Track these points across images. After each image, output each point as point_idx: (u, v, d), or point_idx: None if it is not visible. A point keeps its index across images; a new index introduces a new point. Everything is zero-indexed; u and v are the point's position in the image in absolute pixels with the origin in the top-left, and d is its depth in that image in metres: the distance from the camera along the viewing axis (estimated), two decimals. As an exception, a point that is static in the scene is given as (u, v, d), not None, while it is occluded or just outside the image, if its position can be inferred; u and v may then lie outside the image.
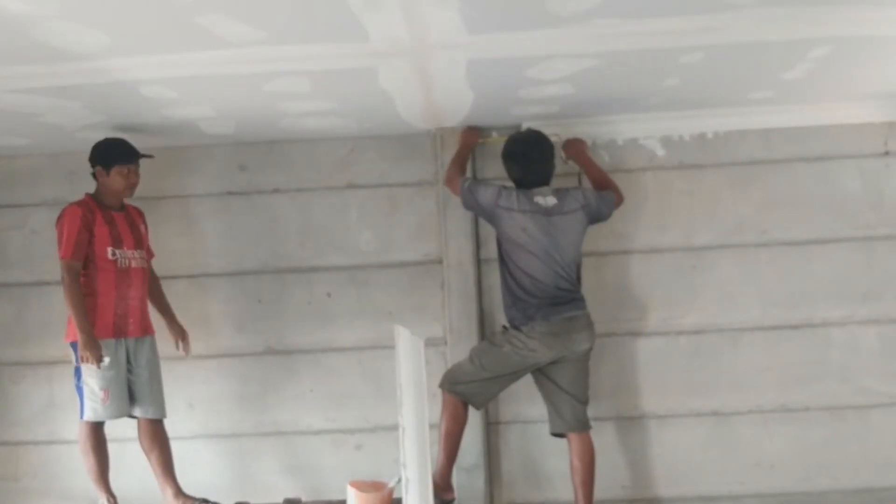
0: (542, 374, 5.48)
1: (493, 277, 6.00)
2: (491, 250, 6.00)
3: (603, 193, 5.65)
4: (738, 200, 6.07)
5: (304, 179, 6.20)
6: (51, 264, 6.02)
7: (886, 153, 6.04)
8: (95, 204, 5.36)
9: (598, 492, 5.53)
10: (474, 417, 5.72)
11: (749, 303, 6.04)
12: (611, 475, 5.97)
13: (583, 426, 5.46)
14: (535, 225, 5.35)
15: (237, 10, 3.86)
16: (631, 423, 6.05)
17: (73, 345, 5.22)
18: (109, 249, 5.28)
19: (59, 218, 5.31)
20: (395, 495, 5.11)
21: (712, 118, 6.02)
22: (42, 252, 6.16)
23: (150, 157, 5.47)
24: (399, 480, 4.94)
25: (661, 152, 6.09)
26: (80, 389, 5.28)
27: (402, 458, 4.83)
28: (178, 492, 5.41)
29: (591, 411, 5.61)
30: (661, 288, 6.07)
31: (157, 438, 5.44)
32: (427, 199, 6.15)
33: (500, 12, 4.04)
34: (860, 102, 5.90)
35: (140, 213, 5.64)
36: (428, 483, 4.83)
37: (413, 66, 4.73)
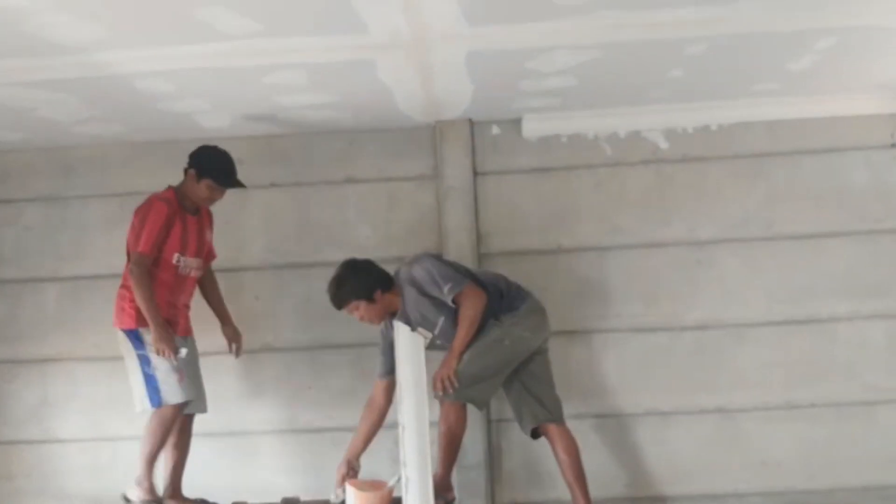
0: (523, 367, 5.41)
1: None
2: (491, 245, 6.04)
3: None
4: (743, 194, 6.04)
5: (302, 174, 6.18)
6: (44, 260, 6.02)
7: (893, 145, 6.01)
8: (179, 205, 5.26)
9: (601, 490, 5.53)
10: (475, 416, 5.69)
11: (754, 298, 6.00)
12: (614, 473, 5.96)
13: (562, 416, 5.43)
14: None
15: (234, 3, 3.87)
16: (635, 419, 6.01)
17: (131, 332, 5.18)
18: (176, 255, 5.22)
19: (144, 208, 5.21)
20: (395, 494, 5.07)
21: (716, 110, 5.99)
22: (35, 248, 6.15)
23: (242, 186, 5.39)
24: (399, 479, 4.91)
25: (664, 145, 6.06)
26: (150, 377, 5.17)
27: (403, 457, 4.80)
28: (178, 492, 5.37)
29: (594, 407, 5.61)
30: (665, 283, 6.04)
31: (184, 434, 5.40)
32: (426, 194, 6.12)
33: (501, 3, 4.04)
34: (866, 94, 5.87)
35: (210, 217, 5.57)
36: (428, 482, 4.81)
37: (412, 59, 4.73)
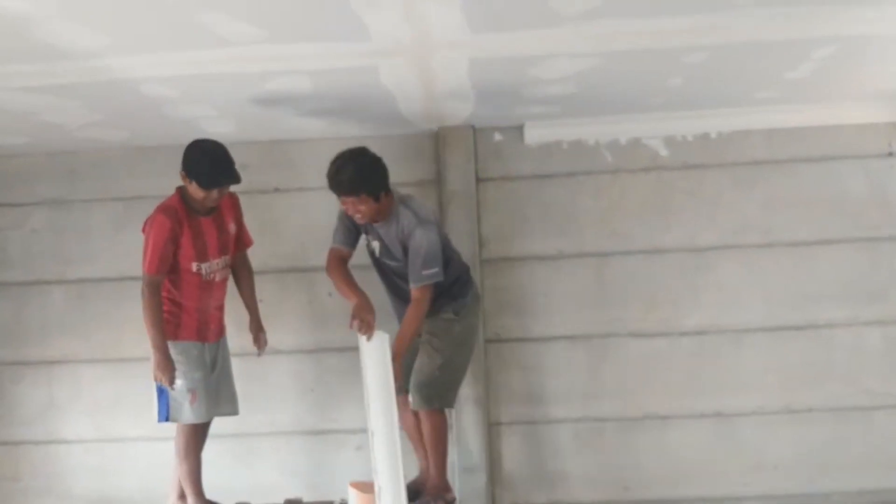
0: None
1: (495, 278, 6.05)
2: (492, 250, 6.06)
3: None
4: (742, 201, 6.05)
5: (305, 179, 6.16)
6: (50, 263, 6.04)
7: (890, 154, 6.02)
8: (185, 211, 5.08)
9: (601, 493, 5.57)
10: (475, 419, 5.74)
11: (752, 304, 6.02)
12: (613, 476, 5.98)
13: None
14: None
15: (238, 9, 3.84)
16: (634, 423, 6.03)
17: None
18: (194, 264, 5.13)
19: (148, 224, 5.08)
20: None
21: (716, 118, 6.00)
22: (41, 251, 6.18)
23: (230, 183, 5.12)
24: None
25: (664, 152, 6.08)
26: (163, 391, 5.12)
27: (374, 465, 4.77)
28: (182, 495, 5.38)
29: (594, 411, 5.68)
30: (664, 288, 6.05)
31: (204, 439, 5.37)
32: (429, 200, 6.06)
33: (503, 11, 4.01)
34: (864, 102, 5.88)
35: (233, 206, 5.42)
36: (401, 488, 4.79)
37: (415, 65, 4.71)
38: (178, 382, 5.06)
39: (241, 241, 5.52)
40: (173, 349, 5.09)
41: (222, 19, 3.92)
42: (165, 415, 5.13)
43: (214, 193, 5.07)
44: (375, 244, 5.29)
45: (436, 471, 5.27)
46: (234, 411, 5.43)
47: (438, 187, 6.07)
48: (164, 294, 5.12)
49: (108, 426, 6.07)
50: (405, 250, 5.15)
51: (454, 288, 5.32)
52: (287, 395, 6.14)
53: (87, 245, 6.20)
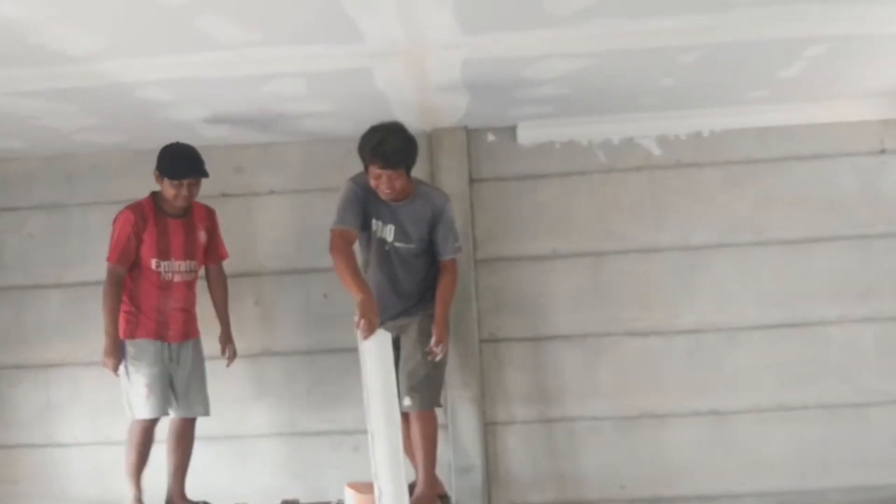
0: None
1: (490, 278, 6.07)
2: (486, 251, 6.07)
3: None
4: (735, 199, 6.06)
5: (301, 181, 6.19)
6: (47, 267, 6.05)
7: (882, 151, 6.03)
8: (153, 209, 5.30)
9: (597, 492, 5.57)
10: (472, 418, 5.76)
11: (746, 302, 6.03)
12: (609, 475, 5.99)
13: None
14: None
15: (233, 12, 3.85)
16: (629, 422, 6.03)
17: (121, 342, 5.22)
18: (154, 261, 5.26)
19: (115, 219, 5.30)
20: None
21: (708, 117, 6.01)
22: (39, 255, 6.19)
23: (204, 176, 5.31)
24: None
25: (657, 151, 6.08)
26: (127, 388, 5.26)
27: (374, 468, 4.73)
28: (181, 495, 5.40)
29: (590, 410, 5.70)
30: (659, 288, 6.06)
31: (184, 439, 5.42)
32: (424, 200, 6.10)
33: (496, 12, 4.03)
34: (856, 100, 5.89)
35: (207, 217, 5.57)
36: (404, 491, 4.77)
37: (408, 67, 4.72)
38: (122, 368, 5.19)
39: (216, 253, 5.65)
40: (131, 347, 5.24)
41: (217, 22, 3.93)
42: (131, 410, 5.29)
43: (184, 190, 5.24)
44: (389, 227, 5.21)
45: (425, 473, 5.19)
46: (205, 412, 5.48)
47: (433, 188, 6.06)
48: (125, 294, 5.26)
49: (106, 429, 6.05)
50: (431, 227, 5.21)
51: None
52: (283, 396, 6.13)
53: (84, 248, 6.18)
